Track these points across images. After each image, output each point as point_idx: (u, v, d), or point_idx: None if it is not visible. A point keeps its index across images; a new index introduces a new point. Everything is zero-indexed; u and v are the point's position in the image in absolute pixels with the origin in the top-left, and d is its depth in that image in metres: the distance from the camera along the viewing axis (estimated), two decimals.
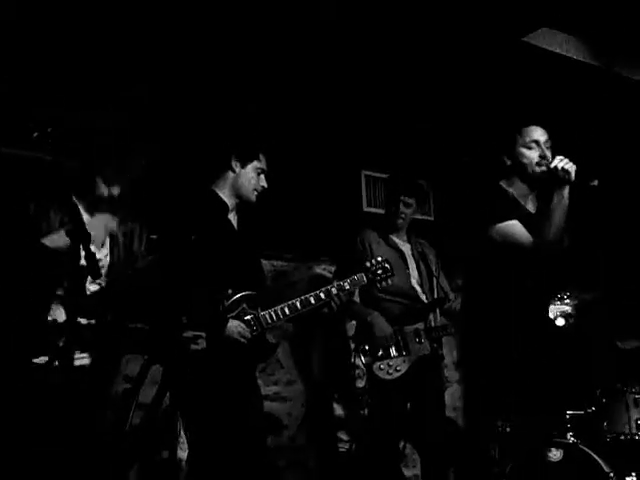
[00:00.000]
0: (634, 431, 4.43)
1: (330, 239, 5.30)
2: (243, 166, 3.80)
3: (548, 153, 3.64)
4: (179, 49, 4.55)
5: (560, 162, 3.45)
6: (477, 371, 3.79)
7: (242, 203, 3.83)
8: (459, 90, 5.37)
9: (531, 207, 3.77)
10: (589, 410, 4.50)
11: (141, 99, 4.41)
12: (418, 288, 4.65)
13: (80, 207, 3.30)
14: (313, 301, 3.69)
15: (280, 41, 4.71)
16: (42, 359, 3.05)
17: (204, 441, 3.49)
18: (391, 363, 4.40)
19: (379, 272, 3.89)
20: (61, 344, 2.98)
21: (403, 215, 4.66)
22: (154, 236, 3.55)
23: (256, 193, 3.82)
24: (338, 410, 5.35)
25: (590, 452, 4.04)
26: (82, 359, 3.16)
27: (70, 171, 3.20)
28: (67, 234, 2.93)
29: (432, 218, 6.18)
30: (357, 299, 4.60)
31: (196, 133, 4.73)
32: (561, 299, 3.68)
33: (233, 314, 3.56)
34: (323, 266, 5.48)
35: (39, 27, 4.18)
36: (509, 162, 3.72)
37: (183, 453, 3.59)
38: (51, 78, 4.29)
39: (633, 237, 6.19)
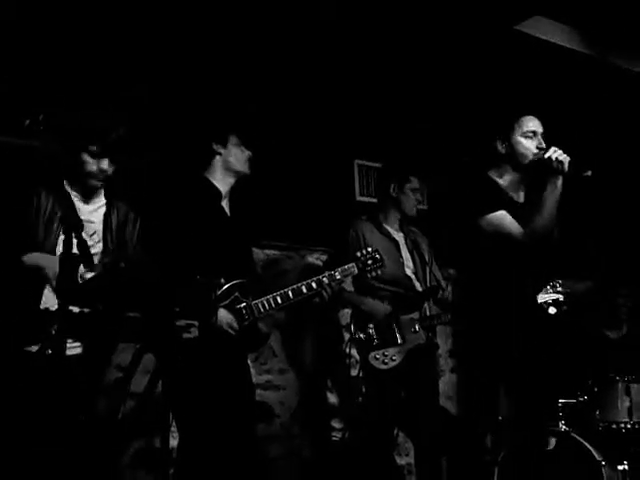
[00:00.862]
0: (626, 419, 4.45)
1: (323, 228, 5.29)
2: (225, 146, 3.81)
3: (544, 144, 3.64)
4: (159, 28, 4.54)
5: (554, 153, 3.45)
6: (470, 360, 3.79)
7: (240, 180, 3.85)
8: (451, 78, 5.36)
9: (520, 197, 3.77)
10: (581, 399, 4.52)
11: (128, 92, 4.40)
12: (412, 276, 4.64)
13: (75, 195, 3.30)
14: (305, 290, 3.70)
15: (275, 30, 4.69)
16: (34, 347, 3.05)
17: (193, 430, 3.49)
18: (386, 353, 4.39)
19: (369, 262, 3.90)
20: (53, 332, 2.97)
21: (417, 203, 4.66)
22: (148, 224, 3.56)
23: (248, 164, 3.83)
24: (331, 399, 5.36)
25: (582, 440, 4.06)
26: (74, 348, 3.15)
27: (56, 154, 3.19)
28: (60, 221, 2.92)
29: (425, 207, 6.17)
30: (351, 288, 4.59)
31: (183, 121, 4.70)
32: (553, 287, 3.68)
33: (225, 303, 3.55)
34: (316, 255, 5.47)
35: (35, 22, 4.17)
36: (503, 150, 3.71)
37: (175, 441, 3.59)
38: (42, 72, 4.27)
39: (625, 228, 6.21)
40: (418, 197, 4.69)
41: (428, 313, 4.56)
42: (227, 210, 3.83)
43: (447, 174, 5.88)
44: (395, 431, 4.58)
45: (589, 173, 3.47)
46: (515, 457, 3.97)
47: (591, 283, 4.54)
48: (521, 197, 3.77)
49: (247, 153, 3.84)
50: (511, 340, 3.53)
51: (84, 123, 3.23)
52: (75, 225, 3.10)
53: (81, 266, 3.13)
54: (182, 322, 3.30)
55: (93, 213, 3.35)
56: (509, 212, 3.58)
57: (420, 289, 4.63)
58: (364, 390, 4.58)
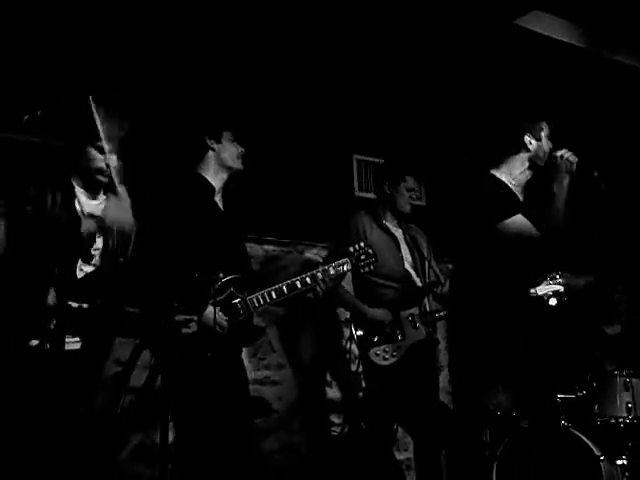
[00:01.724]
0: (624, 414, 4.46)
1: (322, 224, 5.29)
2: (218, 141, 3.83)
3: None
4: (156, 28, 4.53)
5: (564, 152, 3.53)
6: (468, 356, 3.80)
7: (233, 175, 3.86)
8: (450, 73, 5.36)
9: (521, 194, 3.81)
10: (580, 394, 4.52)
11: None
12: (412, 272, 4.64)
13: (80, 191, 3.28)
14: (299, 285, 3.70)
15: (273, 24, 4.69)
16: (33, 342, 3.05)
17: (188, 425, 3.49)
18: (387, 349, 4.39)
19: (362, 257, 3.89)
20: (52, 327, 2.97)
21: (411, 201, 4.66)
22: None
23: (241, 159, 3.86)
24: (330, 394, 5.36)
25: (581, 435, 4.06)
26: (73, 343, 3.15)
27: (57, 150, 3.18)
28: (58, 216, 2.92)
29: (424, 203, 6.16)
30: (351, 284, 4.59)
31: (177, 117, 4.70)
32: (552, 279, 3.69)
33: (220, 298, 3.55)
34: (315, 251, 5.47)
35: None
36: (531, 146, 3.77)
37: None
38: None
39: (624, 223, 6.21)
40: (413, 196, 4.68)
41: (428, 308, 4.56)
42: (220, 205, 3.84)
43: (447, 171, 5.89)
44: (394, 426, 4.58)
45: (596, 174, 3.55)
46: (514, 452, 3.98)
47: (590, 278, 4.54)
48: (521, 195, 3.81)
49: (240, 150, 3.85)
50: (510, 335, 3.53)
51: (89, 120, 3.22)
52: (74, 220, 3.11)
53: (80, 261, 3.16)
54: (181, 317, 3.30)
55: (97, 208, 3.34)
56: (519, 210, 3.65)
57: (419, 284, 4.62)
58: (364, 385, 4.58)
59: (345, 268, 3.85)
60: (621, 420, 4.45)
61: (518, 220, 3.65)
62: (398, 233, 4.71)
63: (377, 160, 5.74)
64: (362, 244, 3.91)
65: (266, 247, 5.26)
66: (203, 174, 3.82)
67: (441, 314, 4.57)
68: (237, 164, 3.85)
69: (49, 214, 3.13)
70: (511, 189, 3.78)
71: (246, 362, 4.91)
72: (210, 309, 3.45)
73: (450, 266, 5.12)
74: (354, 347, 4.51)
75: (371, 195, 5.65)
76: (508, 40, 5.14)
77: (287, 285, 3.68)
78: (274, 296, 3.66)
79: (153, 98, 4.53)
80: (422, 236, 4.83)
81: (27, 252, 3.10)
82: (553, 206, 3.59)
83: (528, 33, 5.11)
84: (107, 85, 4.23)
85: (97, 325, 3.11)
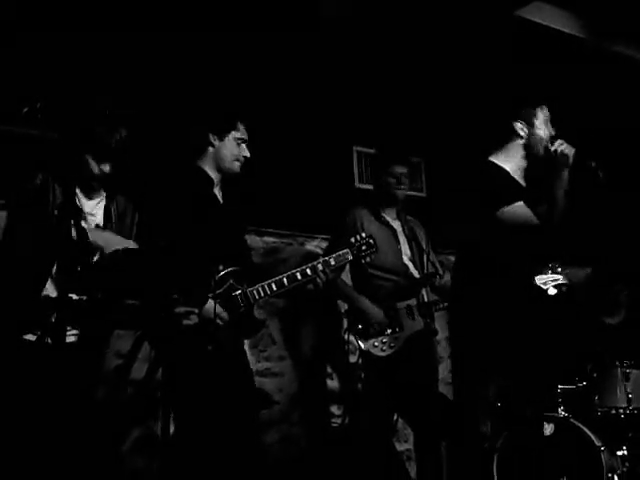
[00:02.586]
0: (625, 405, 4.46)
1: (322, 216, 5.29)
2: (221, 139, 3.79)
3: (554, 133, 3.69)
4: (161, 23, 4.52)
5: (560, 145, 3.49)
6: (468, 347, 3.80)
7: (226, 175, 3.83)
8: (451, 64, 5.34)
9: (523, 181, 3.78)
10: (580, 385, 4.53)
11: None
12: (410, 264, 4.64)
13: (78, 191, 3.29)
14: (299, 277, 3.69)
15: (275, 18, 4.68)
16: (34, 335, 3.05)
17: (189, 418, 3.49)
18: (385, 340, 4.40)
19: (363, 248, 3.88)
20: (52, 320, 2.97)
21: (402, 187, 4.64)
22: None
23: (238, 163, 3.81)
24: (330, 385, 5.36)
25: (581, 426, 4.06)
26: (73, 335, 3.15)
27: (56, 143, 3.18)
28: (59, 209, 2.92)
29: (424, 194, 6.16)
30: (349, 275, 4.59)
31: (177, 110, 4.69)
32: (552, 268, 3.68)
33: (220, 291, 3.55)
34: (315, 243, 5.47)
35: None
36: (522, 133, 3.72)
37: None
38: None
39: (625, 214, 6.21)
40: (402, 183, 4.67)
41: (426, 299, 4.56)
42: (220, 197, 3.83)
43: (447, 161, 5.88)
44: (394, 417, 4.59)
45: (594, 164, 3.50)
46: (514, 443, 3.99)
47: (590, 269, 4.54)
48: (523, 181, 3.79)
49: (244, 154, 3.80)
50: (511, 326, 3.53)
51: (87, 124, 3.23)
52: (74, 213, 3.10)
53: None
54: (181, 309, 3.30)
55: (95, 207, 3.35)
56: (521, 198, 3.61)
57: (417, 276, 4.63)
58: (363, 376, 4.58)
59: (346, 259, 3.86)
60: (621, 411, 4.46)
61: (517, 208, 3.62)
62: (396, 225, 4.71)
63: (375, 152, 5.73)
64: (363, 234, 3.91)
65: (266, 239, 5.26)
66: (202, 166, 3.80)
67: (440, 306, 4.58)
68: (233, 166, 3.80)
69: (49, 206, 3.13)
70: (511, 176, 3.75)
71: (247, 354, 4.94)
72: (210, 303, 3.45)
73: (450, 257, 5.12)
74: (353, 338, 4.51)
75: (371, 187, 5.64)
76: (509, 31, 5.12)
77: (287, 277, 3.67)
78: (274, 288, 3.65)
79: (159, 88, 4.52)
80: (421, 228, 4.83)
81: (27, 244, 3.10)
82: (553, 200, 3.55)
83: (529, 24, 5.09)
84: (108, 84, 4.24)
85: (97, 318, 3.11)
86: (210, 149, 3.80)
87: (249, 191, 4.36)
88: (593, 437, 4.02)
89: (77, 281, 3.08)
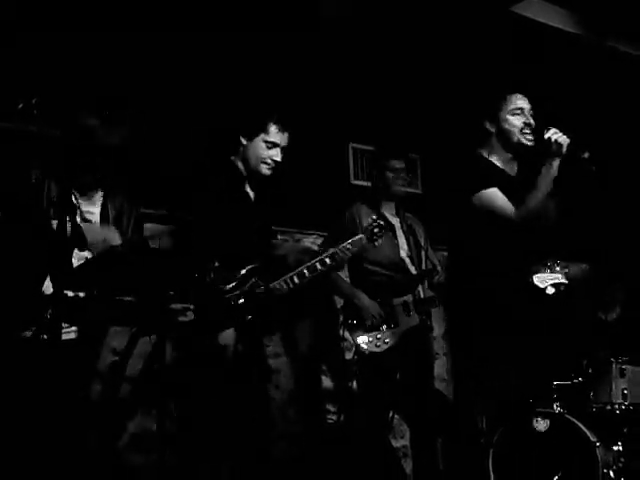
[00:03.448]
0: (620, 401, 4.47)
1: (317, 212, 5.28)
2: (250, 139, 3.83)
3: (532, 121, 3.66)
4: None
5: (554, 134, 3.47)
6: (464, 342, 3.80)
7: (255, 175, 3.88)
8: (446, 60, 5.34)
9: (514, 171, 3.78)
10: (575, 380, 4.53)
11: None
12: (407, 260, 4.65)
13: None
14: (319, 266, 3.77)
15: (272, 16, 4.67)
16: (29, 332, 3.05)
17: (194, 416, 3.51)
18: (379, 336, 4.40)
19: (375, 230, 3.98)
20: (48, 317, 2.97)
21: (398, 182, 4.65)
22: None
23: (266, 166, 3.84)
24: (326, 382, 5.36)
25: (576, 422, 4.06)
26: (69, 332, 3.15)
27: (53, 139, 3.18)
28: (52, 204, 2.92)
29: (420, 191, 6.16)
30: (346, 271, 4.59)
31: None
32: (551, 267, 3.68)
33: (245, 288, 3.57)
34: (311, 239, 5.46)
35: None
36: (492, 129, 3.73)
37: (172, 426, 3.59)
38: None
39: (621, 210, 6.22)
40: (399, 178, 4.68)
41: (422, 296, 4.57)
42: (251, 195, 3.86)
43: (442, 157, 5.88)
44: (390, 414, 4.59)
45: (586, 155, 3.49)
46: (510, 439, 3.99)
47: (587, 266, 4.54)
48: (515, 171, 3.78)
49: (274, 158, 3.82)
50: (505, 321, 3.54)
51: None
52: (69, 208, 3.10)
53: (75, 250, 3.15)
54: (178, 306, 3.30)
55: (90, 205, 3.35)
56: (503, 187, 3.60)
57: (414, 273, 4.63)
58: (358, 373, 4.59)
59: (361, 242, 3.94)
60: (617, 407, 4.46)
61: (491, 193, 3.61)
62: (395, 221, 4.72)
63: (373, 148, 5.73)
64: (374, 216, 4.03)
65: None
66: (236, 162, 3.87)
67: (436, 302, 4.58)
68: (259, 168, 3.83)
69: (45, 202, 3.13)
70: (495, 164, 3.75)
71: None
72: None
73: (445, 254, 5.12)
74: (348, 335, 4.52)
75: (366, 183, 5.64)
76: (504, 27, 5.12)
77: (308, 268, 3.75)
78: (296, 280, 3.73)
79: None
80: (420, 225, 4.84)
81: (22, 241, 3.10)
82: (537, 188, 3.52)
83: (524, 20, 5.10)
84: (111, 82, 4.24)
85: (93, 314, 3.11)
86: (240, 149, 3.86)
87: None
88: (588, 433, 4.02)
89: (73, 277, 3.07)
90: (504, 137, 3.71)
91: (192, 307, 3.32)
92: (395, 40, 5.11)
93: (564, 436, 4.01)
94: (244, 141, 3.84)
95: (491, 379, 3.73)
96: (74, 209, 3.16)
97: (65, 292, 3.04)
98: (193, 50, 4.71)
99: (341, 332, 4.62)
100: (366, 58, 5.28)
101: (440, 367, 5.46)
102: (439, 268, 4.78)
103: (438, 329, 5.06)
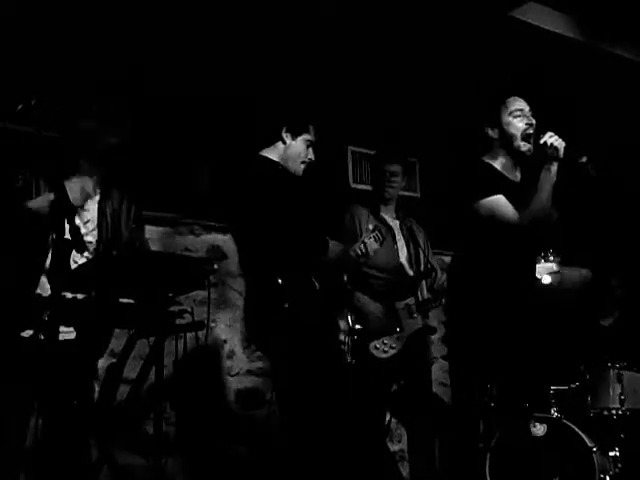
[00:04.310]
0: (617, 406, 4.47)
1: (316, 215, 5.27)
2: (294, 138, 3.77)
3: (533, 120, 3.66)
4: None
5: (550, 138, 3.46)
6: (463, 347, 3.80)
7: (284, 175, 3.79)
8: (445, 65, 5.34)
9: (517, 177, 3.77)
10: (573, 385, 4.53)
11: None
12: (406, 264, 4.65)
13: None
14: (359, 251, 3.82)
15: (273, 17, 4.68)
16: (27, 333, 3.05)
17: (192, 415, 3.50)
18: (386, 341, 4.40)
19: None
20: (46, 318, 2.96)
21: (393, 184, 4.65)
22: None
23: (304, 166, 3.79)
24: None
25: (574, 427, 4.06)
26: (67, 333, 3.15)
27: (51, 141, 3.18)
28: (51, 206, 2.91)
29: (418, 195, 6.16)
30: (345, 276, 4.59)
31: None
32: (545, 257, 3.68)
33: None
34: None
35: None
36: (494, 135, 3.72)
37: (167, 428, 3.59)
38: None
39: (619, 214, 6.22)
40: (395, 181, 4.68)
41: (421, 298, 4.56)
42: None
43: (440, 161, 5.89)
44: (388, 417, 4.59)
45: (584, 159, 3.48)
46: (507, 444, 3.99)
47: (586, 271, 4.55)
48: (518, 176, 3.77)
49: (310, 157, 3.79)
50: (505, 326, 3.53)
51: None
52: (68, 210, 3.09)
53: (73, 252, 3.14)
54: (175, 308, 3.29)
55: (88, 202, 3.34)
56: (507, 193, 3.58)
57: (411, 275, 4.64)
58: (357, 376, 4.58)
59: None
60: (614, 412, 4.46)
61: (495, 200, 3.60)
62: (394, 224, 4.72)
63: (372, 152, 5.73)
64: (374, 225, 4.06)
65: None
66: (268, 157, 3.78)
67: (433, 304, 4.58)
68: (298, 167, 3.78)
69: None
70: (499, 171, 3.74)
71: (240, 353, 4.93)
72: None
73: (444, 258, 5.12)
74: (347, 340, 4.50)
75: (366, 187, 5.64)
76: (504, 32, 5.12)
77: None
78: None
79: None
80: (420, 229, 4.84)
81: (20, 242, 3.10)
82: (538, 193, 3.51)
83: (524, 25, 5.10)
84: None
85: (91, 316, 3.10)
86: (280, 144, 3.77)
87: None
88: (585, 438, 4.02)
89: (71, 279, 3.07)
90: (507, 142, 3.69)
91: (189, 309, 3.31)
92: (395, 44, 5.11)
93: (561, 441, 4.01)
94: (287, 139, 3.76)
95: (489, 383, 3.72)
96: (72, 211, 3.16)
97: (63, 294, 3.04)
98: (194, 49, 4.72)
99: (342, 336, 4.62)
100: (365, 61, 5.27)
101: (439, 371, 5.46)
102: (438, 271, 4.78)
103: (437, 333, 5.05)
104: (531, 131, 3.62)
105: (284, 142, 3.76)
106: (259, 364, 5.08)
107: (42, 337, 2.94)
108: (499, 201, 3.57)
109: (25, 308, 3.04)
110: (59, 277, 3.03)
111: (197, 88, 4.85)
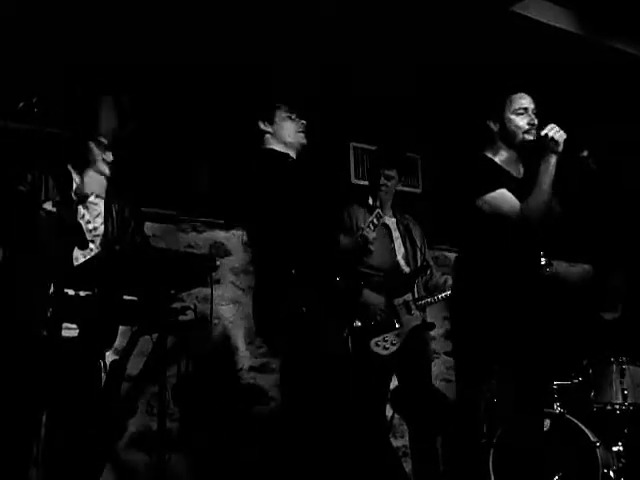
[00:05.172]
0: (620, 401, 4.47)
1: (323, 209, 5.28)
2: (271, 122, 3.71)
3: (536, 121, 3.64)
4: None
5: (550, 130, 3.44)
6: (467, 342, 3.79)
7: (298, 150, 3.74)
8: (446, 60, 5.33)
9: (520, 172, 3.76)
10: (576, 380, 4.54)
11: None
12: (402, 262, 4.65)
13: (72, 172, 3.28)
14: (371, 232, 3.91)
15: (273, 14, 4.67)
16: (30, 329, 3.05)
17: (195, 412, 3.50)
18: (387, 338, 4.40)
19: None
20: (49, 315, 2.97)
21: (384, 187, 4.66)
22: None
23: (302, 134, 3.72)
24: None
25: (577, 422, 4.07)
26: (70, 330, 3.14)
27: (55, 138, 3.18)
28: (55, 205, 2.91)
29: (419, 190, 6.16)
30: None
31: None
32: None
33: None
34: None
35: None
36: (496, 129, 3.71)
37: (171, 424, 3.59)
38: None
39: (621, 209, 6.22)
40: (392, 184, 4.69)
41: (417, 295, 4.57)
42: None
43: (442, 156, 5.88)
44: (390, 413, 4.59)
45: (585, 153, 3.47)
46: (510, 439, 3.99)
47: (587, 266, 4.55)
48: (521, 172, 3.76)
49: (300, 122, 3.71)
50: (508, 321, 3.53)
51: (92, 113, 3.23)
52: (70, 208, 3.10)
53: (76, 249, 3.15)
54: (178, 305, 3.29)
55: (90, 182, 3.32)
56: (509, 188, 3.57)
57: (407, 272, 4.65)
58: (357, 373, 4.58)
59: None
60: (617, 406, 4.47)
61: (498, 195, 3.58)
62: (391, 222, 4.72)
63: (374, 148, 5.73)
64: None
65: None
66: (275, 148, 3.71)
67: (428, 300, 4.58)
68: (298, 138, 3.70)
69: (45, 200, 3.13)
70: (499, 166, 3.72)
71: (243, 350, 4.94)
72: None
73: (446, 253, 5.13)
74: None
75: (367, 183, 5.64)
76: (505, 27, 5.11)
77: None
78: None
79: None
80: (416, 226, 4.84)
81: (24, 238, 3.10)
82: (538, 186, 3.49)
83: (525, 20, 5.08)
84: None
85: (95, 313, 3.10)
86: (267, 136, 3.70)
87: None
88: (589, 433, 4.03)
89: (74, 276, 3.07)
90: (508, 137, 3.68)
91: (192, 306, 3.31)
92: (396, 39, 5.10)
93: (565, 436, 4.02)
94: (268, 128, 3.70)
95: (493, 378, 3.72)
96: (76, 207, 3.16)
97: (66, 291, 3.04)
98: (194, 48, 4.72)
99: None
100: (367, 57, 5.26)
101: (442, 367, 5.47)
102: (434, 269, 4.79)
103: (438, 328, 5.06)
104: (533, 132, 3.61)
105: (269, 132, 3.69)
106: (262, 360, 5.09)
107: (45, 333, 2.94)
108: (503, 195, 3.56)
109: (29, 305, 3.04)
110: (62, 274, 3.03)
111: (198, 88, 4.84)
